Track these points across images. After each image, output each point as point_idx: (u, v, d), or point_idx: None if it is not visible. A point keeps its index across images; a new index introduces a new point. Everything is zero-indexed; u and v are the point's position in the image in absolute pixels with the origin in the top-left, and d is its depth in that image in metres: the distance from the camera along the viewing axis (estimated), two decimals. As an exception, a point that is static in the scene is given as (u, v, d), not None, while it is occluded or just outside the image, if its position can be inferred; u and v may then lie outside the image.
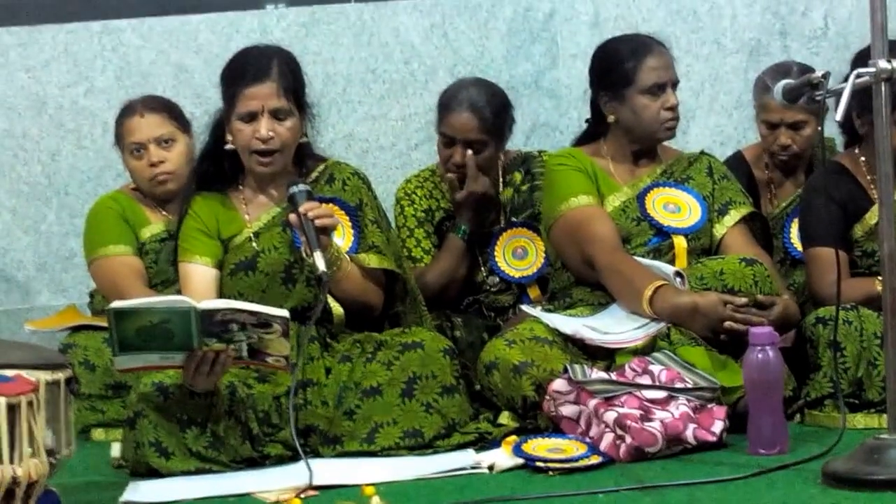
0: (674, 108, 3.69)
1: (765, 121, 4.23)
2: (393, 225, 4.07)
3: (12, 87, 4.87)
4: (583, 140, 3.88)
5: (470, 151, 4.09)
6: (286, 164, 3.53)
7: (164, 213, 4.21)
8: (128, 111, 4.25)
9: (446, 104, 4.18)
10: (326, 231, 3.34)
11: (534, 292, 4.11)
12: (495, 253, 4.15)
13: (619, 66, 3.69)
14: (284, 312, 3.09)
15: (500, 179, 4.26)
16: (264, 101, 3.44)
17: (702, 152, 3.88)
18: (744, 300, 3.35)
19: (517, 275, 4.13)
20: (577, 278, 3.71)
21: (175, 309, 3.02)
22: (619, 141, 3.77)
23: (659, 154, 3.81)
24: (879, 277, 2.81)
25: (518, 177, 4.24)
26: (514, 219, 4.19)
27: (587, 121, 3.88)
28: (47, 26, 4.87)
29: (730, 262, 3.47)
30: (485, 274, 4.19)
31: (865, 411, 3.34)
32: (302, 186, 3.37)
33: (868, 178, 3.66)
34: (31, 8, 4.90)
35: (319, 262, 3.25)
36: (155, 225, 4.18)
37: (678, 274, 3.45)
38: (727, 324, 3.32)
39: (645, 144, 3.76)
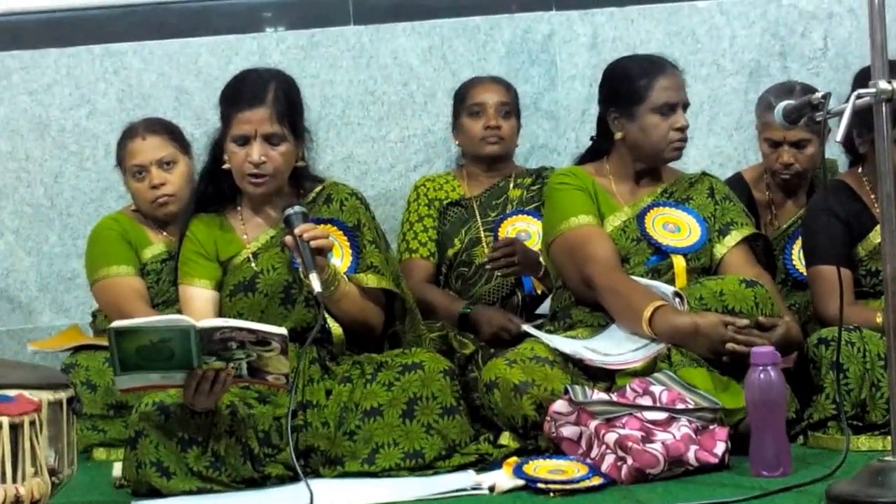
0: (683, 130, 3.71)
1: (767, 139, 4.24)
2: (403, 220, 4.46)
3: (15, 110, 4.88)
4: (585, 158, 3.89)
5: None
6: (280, 187, 3.55)
7: (164, 234, 4.22)
8: (129, 133, 4.27)
9: (467, 84, 4.57)
10: (322, 252, 3.34)
11: None
12: (499, 234, 4.30)
13: (631, 82, 3.70)
14: (282, 330, 3.09)
15: (512, 183, 4.45)
16: (257, 125, 3.45)
17: (703, 173, 3.88)
18: (745, 321, 3.33)
19: None
20: (576, 298, 3.71)
21: (175, 327, 3.02)
22: (623, 159, 3.77)
23: (660, 175, 3.81)
24: (881, 307, 2.80)
25: (528, 180, 4.44)
26: (521, 208, 4.36)
27: (592, 138, 3.89)
28: (49, 50, 4.89)
29: (730, 283, 3.45)
30: (488, 254, 4.28)
31: (869, 433, 3.32)
32: (297, 208, 3.38)
33: (871, 196, 3.66)
34: (34, 32, 4.91)
35: (315, 284, 3.25)
36: (156, 245, 4.19)
37: (677, 294, 3.44)
38: (729, 345, 3.29)
39: (650, 164, 3.76)
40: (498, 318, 4.10)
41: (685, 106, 3.74)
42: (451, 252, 4.38)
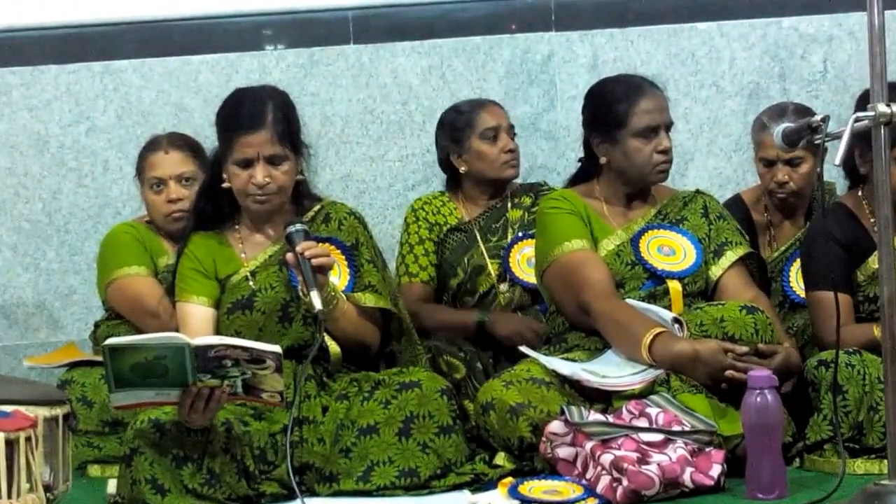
0: (666, 152, 3.67)
1: (762, 158, 4.24)
2: (399, 242, 4.41)
3: (15, 126, 4.89)
4: (576, 180, 3.87)
5: None
6: (283, 204, 3.55)
7: (178, 246, 4.20)
8: (153, 145, 4.27)
9: (469, 107, 4.46)
10: (323, 270, 3.34)
11: None
12: (510, 261, 4.26)
13: (611, 108, 3.67)
14: (277, 348, 3.09)
15: (510, 203, 4.40)
16: (259, 148, 3.45)
17: (697, 191, 3.86)
18: (745, 349, 3.33)
19: (534, 280, 4.19)
20: (571, 323, 3.69)
21: (169, 345, 3.02)
22: (611, 183, 3.75)
23: (653, 194, 3.80)
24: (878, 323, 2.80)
25: (528, 200, 4.39)
26: (525, 231, 4.30)
27: (580, 160, 3.88)
28: (49, 67, 4.90)
29: (730, 310, 3.43)
30: (496, 282, 4.27)
31: (865, 457, 3.30)
32: (299, 226, 3.38)
33: (871, 220, 3.62)
34: (34, 48, 4.92)
35: (316, 302, 3.26)
36: (170, 256, 4.16)
37: (676, 320, 3.42)
38: (728, 372, 3.29)
39: (637, 187, 3.75)
40: (515, 321, 4.13)
41: (668, 126, 3.70)
42: (454, 282, 4.32)
